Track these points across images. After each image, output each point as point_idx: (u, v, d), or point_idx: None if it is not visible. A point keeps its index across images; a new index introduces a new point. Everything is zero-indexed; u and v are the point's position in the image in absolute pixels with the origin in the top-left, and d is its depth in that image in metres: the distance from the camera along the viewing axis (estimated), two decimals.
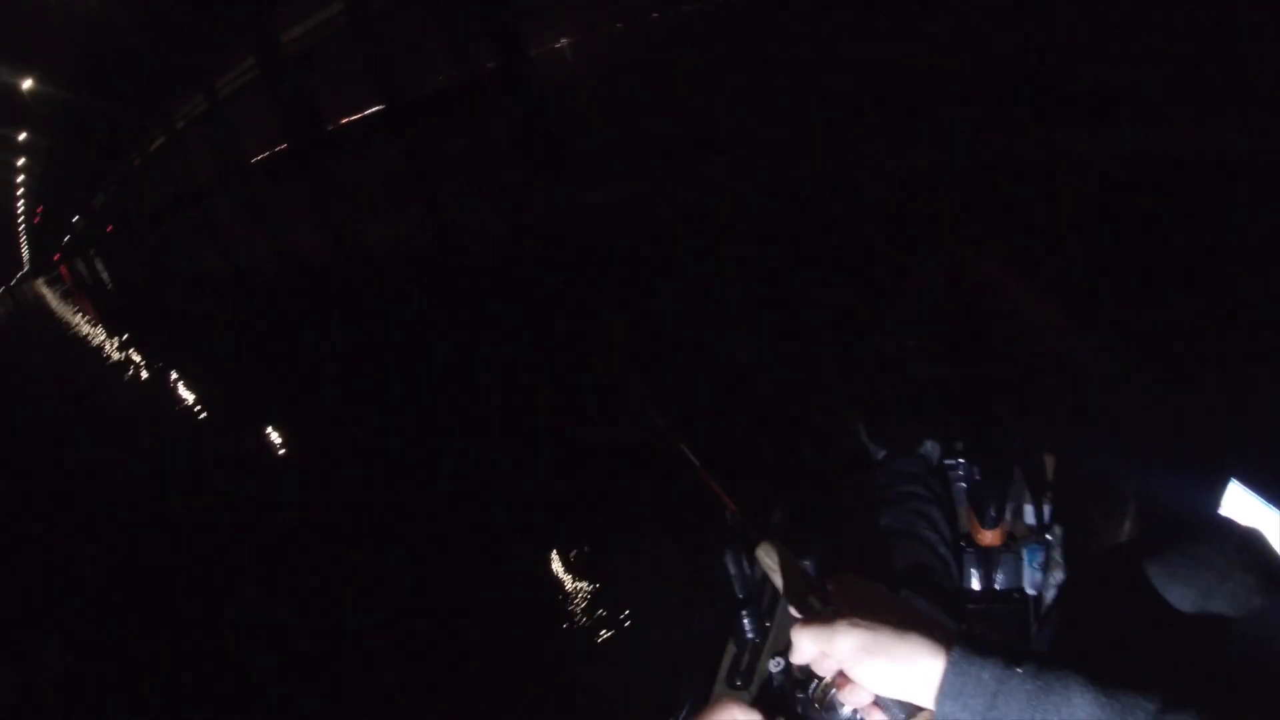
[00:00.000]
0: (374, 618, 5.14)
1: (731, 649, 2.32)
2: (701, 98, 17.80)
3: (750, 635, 2.27)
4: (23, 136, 40.98)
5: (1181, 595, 1.19)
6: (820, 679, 1.07)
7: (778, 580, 1.16)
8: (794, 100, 14.39)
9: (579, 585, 4.88)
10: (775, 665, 2.14)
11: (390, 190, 19.52)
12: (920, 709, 0.95)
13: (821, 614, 1.03)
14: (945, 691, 0.89)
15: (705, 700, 2.25)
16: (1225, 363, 2.08)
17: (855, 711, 1.06)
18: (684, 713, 2.25)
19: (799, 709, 1.16)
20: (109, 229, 48.93)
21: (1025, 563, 2.14)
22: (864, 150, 10.88)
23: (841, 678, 1.01)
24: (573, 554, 5.20)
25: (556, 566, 5.13)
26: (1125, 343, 2.28)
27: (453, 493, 6.61)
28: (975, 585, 2.17)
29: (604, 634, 4.40)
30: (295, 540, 6.56)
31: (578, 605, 4.71)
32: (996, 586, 2.17)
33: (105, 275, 50.44)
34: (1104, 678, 0.84)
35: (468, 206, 17.22)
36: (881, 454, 2.37)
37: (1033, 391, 2.22)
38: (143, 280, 38.36)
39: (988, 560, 2.18)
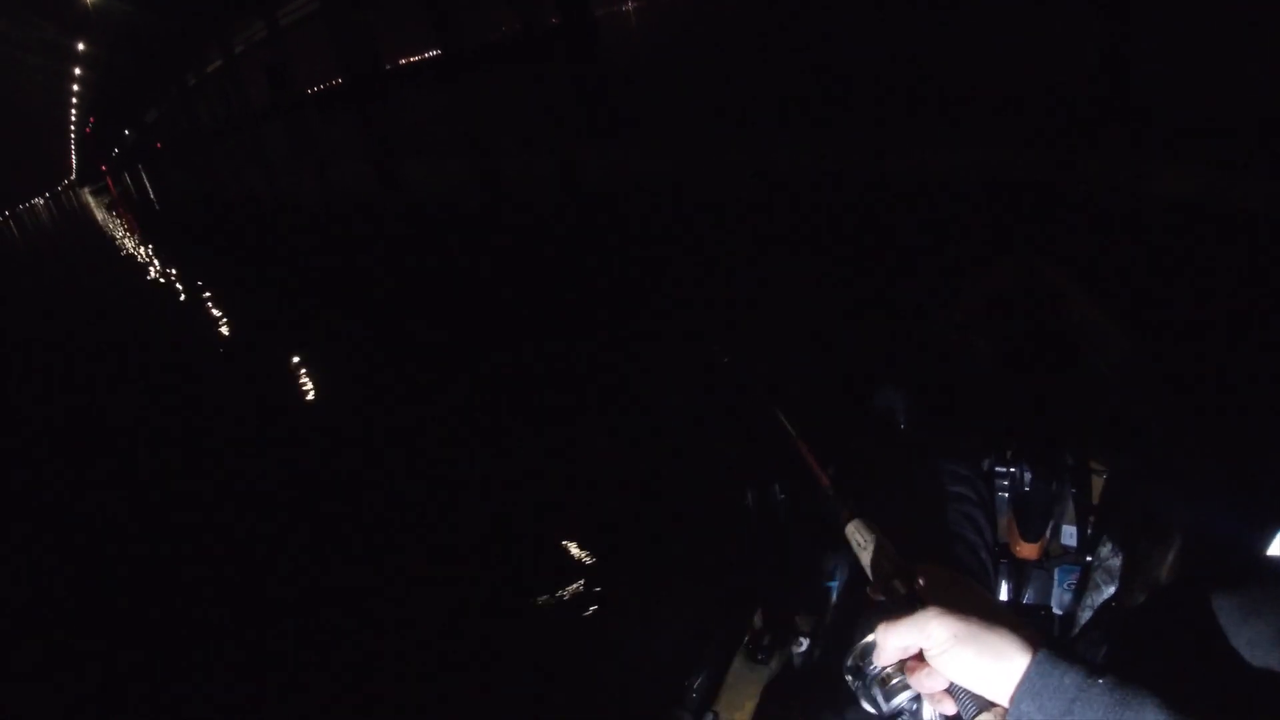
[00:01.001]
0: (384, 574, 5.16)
1: (757, 623, 2.32)
2: (768, 78, 17.40)
3: (783, 610, 2.28)
4: (81, 46, 41.22)
5: (1258, 632, 1.16)
6: (882, 665, 1.05)
7: (865, 559, 1.15)
8: (868, 88, 13.94)
9: (600, 552, 4.85)
10: (798, 645, 2.15)
11: (440, 135, 19.41)
12: (991, 704, 0.94)
13: (905, 599, 1.03)
14: (1025, 690, 0.89)
15: (724, 671, 2.26)
16: None
17: (915, 698, 1.06)
18: (699, 681, 2.26)
19: (854, 691, 1.13)
20: (158, 145, 49.25)
21: (1055, 581, 2.11)
22: (942, 148, 10.53)
23: (914, 662, 1.01)
24: (595, 520, 5.15)
25: (576, 533, 5.07)
26: (1187, 377, 2.21)
27: (470, 446, 6.59)
28: (1003, 596, 2.13)
29: (621, 602, 4.37)
30: (306, 488, 6.54)
31: (596, 571, 4.68)
32: (1024, 600, 2.13)
33: (150, 190, 50.73)
34: (1176, 703, 0.84)
35: (516, 159, 17.10)
36: (929, 451, 2.27)
37: (1089, 410, 2.19)
38: (186, 199, 38.48)
39: (1020, 573, 2.15)
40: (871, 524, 1.18)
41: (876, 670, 1.07)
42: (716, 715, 2.24)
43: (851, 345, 5.22)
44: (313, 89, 23.67)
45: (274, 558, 5.58)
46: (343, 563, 5.34)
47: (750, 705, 2.24)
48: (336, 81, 20.77)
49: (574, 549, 4.91)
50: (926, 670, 0.99)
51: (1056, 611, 2.10)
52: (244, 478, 6.95)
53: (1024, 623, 0.97)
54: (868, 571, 1.14)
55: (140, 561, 5.91)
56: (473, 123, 16.51)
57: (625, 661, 3.80)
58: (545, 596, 4.54)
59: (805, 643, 2.17)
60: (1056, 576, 2.11)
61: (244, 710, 4.29)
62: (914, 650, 1.00)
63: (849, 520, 1.20)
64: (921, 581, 1.05)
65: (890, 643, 1.00)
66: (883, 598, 1.07)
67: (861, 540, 1.17)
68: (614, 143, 13.66)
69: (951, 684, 0.97)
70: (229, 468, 7.22)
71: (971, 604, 0.98)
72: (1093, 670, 0.87)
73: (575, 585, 4.58)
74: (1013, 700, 0.90)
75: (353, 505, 6.03)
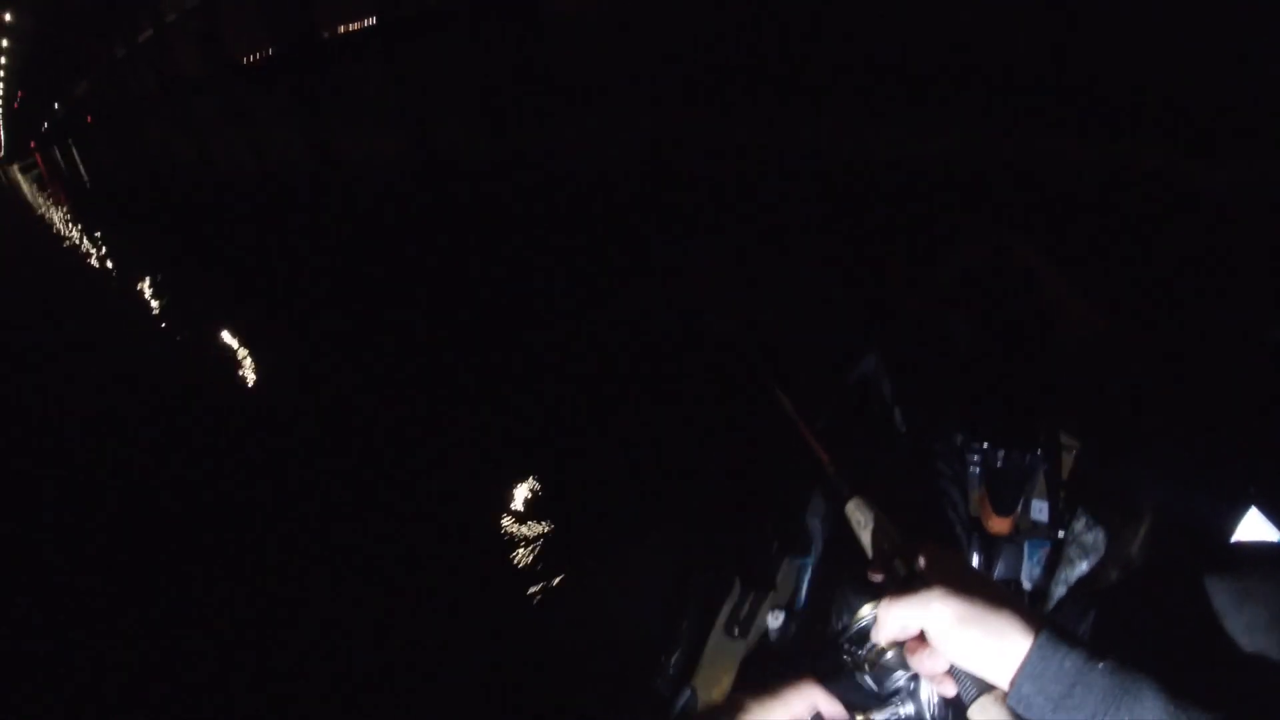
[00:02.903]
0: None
1: (733, 597, 2.30)
2: (716, 50, 17.16)
3: (760, 585, 2.28)
4: (8, 17, 40.22)
5: (1255, 616, 1.14)
6: (874, 642, 1.05)
7: (865, 539, 1.16)
8: (816, 66, 13.79)
9: (573, 528, 4.82)
10: (774, 619, 2.15)
11: (379, 105, 19.03)
12: (991, 686, 0.94)
13: (906, 580, 1.04)
14: (1026, 672, 0.89)
15: (700, 646, 2.26)
16: (1259, 391, 2.04)
17: (912, 678, 1.08)
18: (676, 656, 2.30)
19: (847, 668, 1.12)
20: (89, 119, 48.18)
21: (1026, 556, 2.12)
22: (879, 131, 10.45)
23: (914, 643, 1.01)
24: (568, 496, 5.12)
25: (549, 510, 5.02)
26: (1164, 357, 2.23)
27: (420, 422, 6.45)
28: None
29: (595, 579, 4.36)
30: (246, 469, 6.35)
31: (570, 548, 4.65)
32: (995, 575, 2.12)
33: (81, 166, 49.68)
34: (1175, 688, 0.84)
35: (457, 129, 16.79)
36: (906, 425, 2.35)
37: (1062, 388, 2.20)
38: (118, 174, 37.72)
39: (991, 547, 2.14)
40: (871, 503, 1.17)
41: (873, 648, 1.06)
42: (694, 690, 2.24)
43: (840, 318, 5.15)
44: (245, 58, 23.18)
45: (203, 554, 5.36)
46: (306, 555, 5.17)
47: (727, 680, 2.23)
48: (269, 50, 20.39)
49: (547, 526, 4.87)
50: (927, 651, 0.98)
51: (1026, 586, 2.11)
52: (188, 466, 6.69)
53: (1025, 605, 0.96)
54: (866, 550, 1.15)
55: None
56: (411, 93, 16.23)
57: (601, 638, 3.81)
58: (518, 574, 4.51)
59: (782, 616, 2.15)
60: (1027, 550, 2.12)
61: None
62: (914, 630, 0.99)
63: (849, 499, 1.20)
64: (922, 562, 1.05)
65: (891, 620, 1.00)
66: (882, 577, 1.08)
67: (862, 519, 1.17)
68: (552, 109, 13.42)
69: (952, 665, 0.97)
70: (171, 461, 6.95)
71: (974, 585, 0.98)
72: (1093, 654, 0.87)
73: (549, 562, 4.56)
74: (1014, 683, 0.89)
75: (310, 493, 5.84)
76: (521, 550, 4.69)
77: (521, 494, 5.24)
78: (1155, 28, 9.40)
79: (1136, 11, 9.63)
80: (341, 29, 21.39)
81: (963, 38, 12.37)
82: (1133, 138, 7.71)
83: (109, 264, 16.63)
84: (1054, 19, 8.97)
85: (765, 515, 2.49)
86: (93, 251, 18.91)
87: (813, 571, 2.26)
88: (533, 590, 4.38)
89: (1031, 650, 0.89)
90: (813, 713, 1.06)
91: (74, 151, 54.19)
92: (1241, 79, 7.58)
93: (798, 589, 2.27)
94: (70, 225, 25.31)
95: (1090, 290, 2.34)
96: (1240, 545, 1.50)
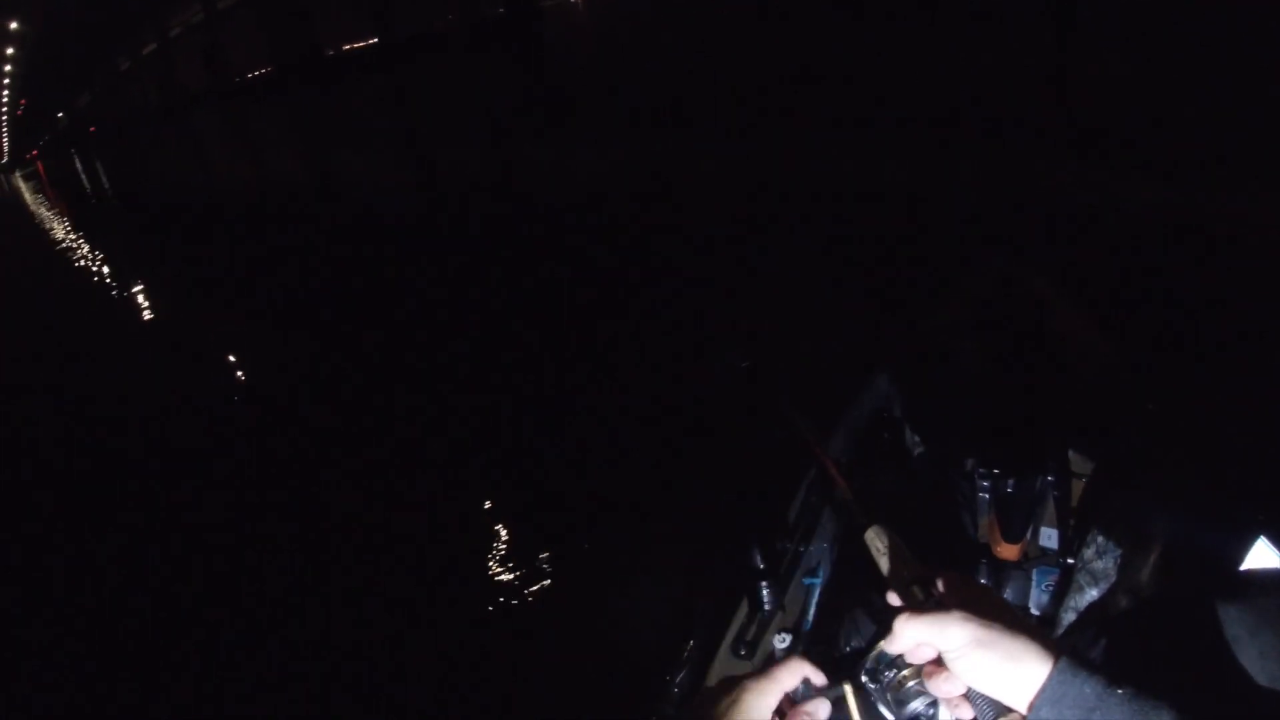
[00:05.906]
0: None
1: (740, 618, 2.30)
2: (719, 74, 17.19)
3: (767, 606, 2.27)
4: (14, 25, 40.38)
5: (1268, 643, 1.16)
6: (898, 669, 1.05)
7: (883, 565, 1.14)
8: (817, 91, 13.75)
9: (581, 548, 4.80)
10: (781, 640, 2.13)
11: (377, 125, 19.01)
12: (1008, 710, 0.93)
13: (923, 605, 1.01)
14: (1045, 697, 0.88)
15: (706, 666, 2.25)
16: (1266, 418, 1.97)
17: (930, 704, 1.05)
18: (682, 674, 2.28)
19: (869, 694, 1.10)
20: (91, 130, 48.38)
21: (1034, 583, 2.12)
22: (889, 155, 10.39)
23: (932, 667, 0.99)
24: (577, 516, 5.07)
25: (559, 529, 4.98)
26: (1166, 384, 2.28)
27: (417, 439, 6.42)
28: None
29: (603, 599, 4.33)
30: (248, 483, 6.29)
31: (577, 568, 4.63)
32: None
33: (83, 176, 49.81)
34: (1193, 714, 0.84)
35: (455, 151, 16.76)
36: (918, 450, 2.38)
37: (1070, 415, 2.22)
38: (118, 183, 37.80)
39: (999, 573, 2.14)
40: (890, 530, 1.17)
41: (894, 677, 1.05)
42: None
43: (853, 343, 5.09)
44: (247, 75, 23.27)
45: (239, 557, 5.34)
46: (314, 562, 5.16)
47: None
48: (270, 68, 20.44)
49: (556, 545, 4.83)
50: (945, 675, 0.97)
51: (1034, 612, 2.11)
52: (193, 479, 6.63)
53: (1042, 630, 0.98)
54: (884, 576, 1.13)
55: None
56: (409, 114, 16.20)
57: (608, 658, 3.78)
58: (526, 593, 4.51)
59: (788, 638, 2.13)
60: (1035, 578, 2.13)
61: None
62: (930, 651, 0.98)
63: (868, 526, 1.19)
64: (941, 587, 1.04)
65: (907, 633, 0.98)
66: (901, 603, 1.06)
67: (880, 545, 1.16)
68: (552, 133, 13.37)
69: (969, 689, 0.97)
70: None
71: (991, 610, 0.96)
72: (1112, 680, 0.86)
73: (556, 581, 4.55)
74: (1032, 707, 0.89)
75: (320, 503, 5.83)
76: (527, 569, 4.68)
77: (526, 512, 5.23)
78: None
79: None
80: (345, 47, 21.52)
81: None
82: (1141, 169, 7.72)
83: (104, 270, 16.58)
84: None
85: (774, 536, 2.48)
86: (88, 257, 18.88)
87: (821, 594, 2.26)
88: (538, 610, 4.37)
89: (1051, 675, 0.88)
90: (802, 683, 1.07)
91: (75, 160, 54.34)
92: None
93: (805, 611, 2.26)
94: (69, 232, 25.31)
95: (1103, 321, 2.38)
96: (1251, 573, 1.49)
